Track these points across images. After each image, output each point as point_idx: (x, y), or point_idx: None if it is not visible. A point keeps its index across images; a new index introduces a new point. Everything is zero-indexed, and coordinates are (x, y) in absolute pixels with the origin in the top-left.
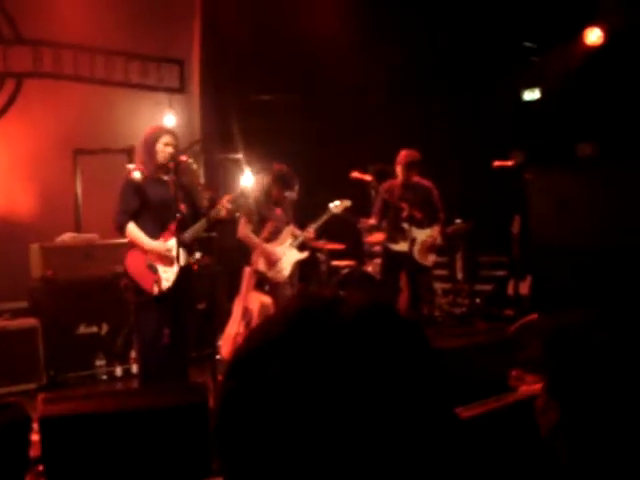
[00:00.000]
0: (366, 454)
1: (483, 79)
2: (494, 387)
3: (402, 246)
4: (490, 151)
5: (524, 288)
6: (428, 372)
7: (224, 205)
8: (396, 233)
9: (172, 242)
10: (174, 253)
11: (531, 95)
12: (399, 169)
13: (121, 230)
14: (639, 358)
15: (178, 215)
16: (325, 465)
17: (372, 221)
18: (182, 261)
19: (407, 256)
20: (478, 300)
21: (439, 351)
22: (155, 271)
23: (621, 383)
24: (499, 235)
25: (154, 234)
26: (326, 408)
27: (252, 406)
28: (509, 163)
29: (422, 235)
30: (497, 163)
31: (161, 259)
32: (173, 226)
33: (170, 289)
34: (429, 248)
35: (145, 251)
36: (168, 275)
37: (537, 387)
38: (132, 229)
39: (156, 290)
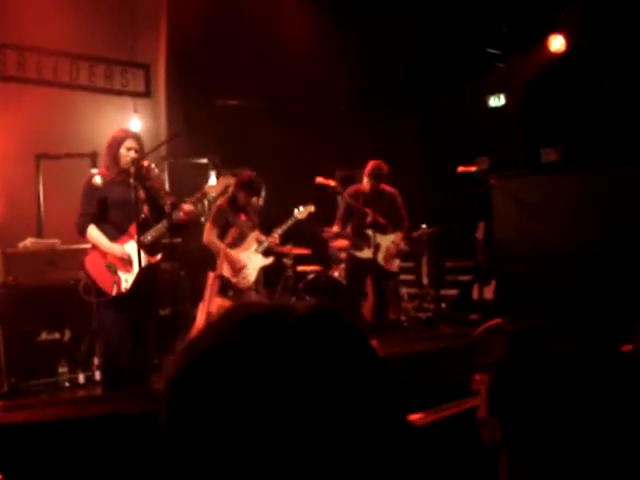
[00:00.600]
0: (313, 460)
1: (448, 85)
2: (458, 391)
3: (366, 253)
4: (455, 157)
5: (489, 293)
6: (371, 377)
7: (183, 208)
8: (360, 240)
9: (131, 244)
10: (134, 256)
11: (496, 101)
12: (365, 180)
13: (82, 233)
14: (592, 378)
15: (142, 215)
16: (273, 472)
17: (335, 228)
18: (142, 262)
19: (372, 262)
20: (444, 305)
21: (381, 357)
22: (114, 272)
23: (566, 403)
24: (464, 240)
25: (115, 237)
26: (275, 414)
27: (201, 414)
28: (473, 169)
29: (386, 241)
30: (461, 169)
31: (120, 262)
32: (133, 228)
33: (129, 291)
34: (393, 254)
35: (104, 252)
36: (127, 277)
37: None
38: (92, 232)
39: (115, 291)
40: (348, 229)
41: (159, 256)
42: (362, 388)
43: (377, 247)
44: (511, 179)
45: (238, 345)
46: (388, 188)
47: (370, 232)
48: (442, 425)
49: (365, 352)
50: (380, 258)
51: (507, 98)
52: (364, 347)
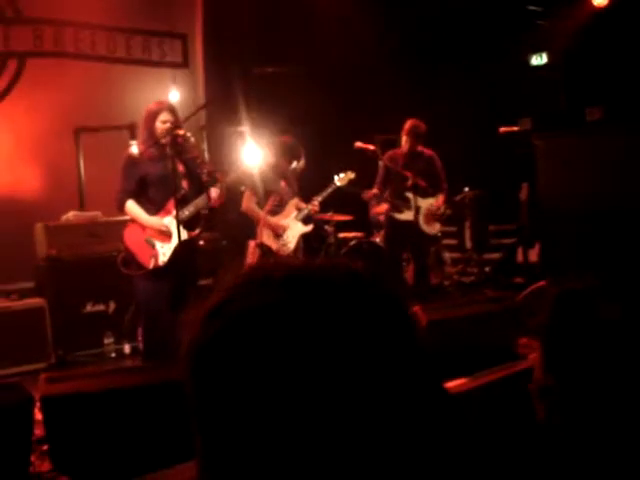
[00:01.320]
0: (351, 429)
1: (489, 45)
2: (503, 355)
3: (406, 215)
4: (497, 117)
5: (533, 255)
6: (405, 343)
7: (210, 196)
8: (400, 202)
9: (170, 218)
10: (172, 229)
11: (538, 60)
12: (404, 139)
13: (120, 209)
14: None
15: (182, 191)
16: (310, 445)
17: (374, 190)
18: (181, 236)
19: (412, 225)
20: (487, 268)
21: (416, 324)
22: (152, 246)
23: (620, 364)
24: (507, 203)
25: (154, 210)
26: (322, 378)
27: (245, 379)
28: (515, 129)
29: (426, 204)
30: (503, 129)
31: (159, 235)
32: (171, 204)
33: (167, 264)
34: (434, 217)
35: (144, 226)
36: (165, 250)
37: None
38: (130, 206)
39: (152, 264)
40: (387, 193)
41: (197, 230)
42: (397, 354)
43: (417, 210)
44: (555, 138)
45: (283, 304)
46: (426, 150)
47: (410, 195)
48: (487, 389)
49: (400, 318)
50: (420, 221)
51: (549, 56)
52: (399, 311)
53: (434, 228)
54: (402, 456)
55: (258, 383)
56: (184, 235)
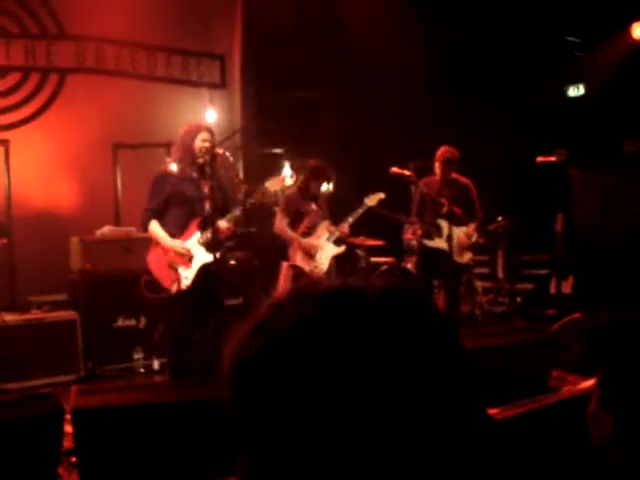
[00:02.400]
0: (392, 447)
1: (527, 75)
2: (535, 387)
3: (438, 242)
4: (533, 147)
5: (567, 287)
6: (456, 367)
7: (220, 228)
8: (432, 229)
9: (193, 240)
10: (194, 252)
11: (575, 91)
12: (437, 166)
13: (144, 228)
14: None
15: (205, 213)
16: (354, 458)
17: (413, 218)
18: (204, 259)
19: (443, 253)
20: (519, 299)
21: (467, 350)
22: (175, 270)
23: None
24: (541, 233)
25: (177, 231)
26: (362, 394)
27: (288, 397)
28: (553, 159)
29: (459, 232)
30: (540, 159)
31: (180, 258)
32: (194, 225)
33: (190, 288)
34: (465, 245)
35: (166, 249)
36: (187, 274)
37: (580, 388)
38: (154, 227)
39: (175, 289)
40: (418, 219)
41: (217, 255)
42: (445, 374)
43: (449, 238)
44: (592, 170)
45: (321, 318)
46: (462, 178)
47: (442, 222)
48: (517, 422)
49: (453, 338)
50: (452, 249)
51: (587, 88)
52: (452, 334)
53: (465, 257)
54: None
55: (300, 400)
56: (207, 258)
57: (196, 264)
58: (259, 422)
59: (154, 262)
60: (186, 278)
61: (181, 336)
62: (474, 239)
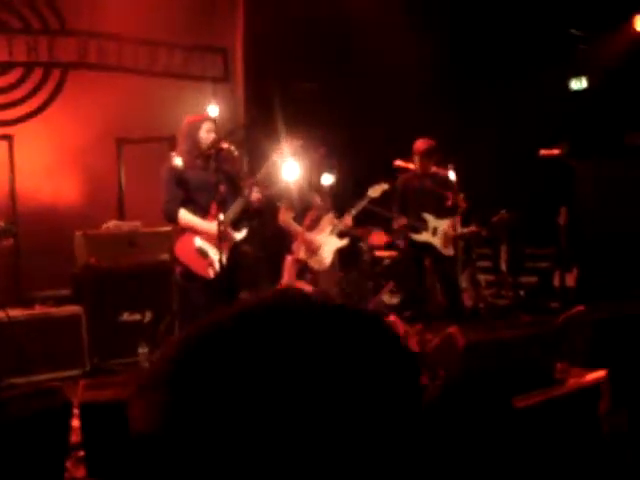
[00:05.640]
0: (317, 456)
1: (529, 68)
2: (540, 380)
3: (424, 236)
4: (536, 140)
5: (570, 280)
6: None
7: (253, 196)
8: (418, 223)
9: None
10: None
11: (578, 84)
12: (416, 159)
13: (172, 218)
14: None
15: (217, 197)
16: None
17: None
18: (230, 239)
19: (431, 247)
20: (522, 292)
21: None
22: (206, 255)
23: None
24: (545, 226)
25: (200, 216)
26: (277, 405)
27: (202, 408)
28: (556, 152)
29: (443, 225)
30: (543, 152)
31: (212, 240)
32: (214, 208)
33: (224, 269)
34: (451, 238)
35: (192, 237)
36: (219, 256)
37: (585, 380)
38: (183, 215)
39: (212, 273)
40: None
41: (242, 233)
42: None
43: (434, 231)
44: (594, 162)
45: (233, 330)
46: (441, 171)
47: (428, 216)
48: (525, 414)
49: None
50: (437, 242)
51: (589, 81)
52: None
53: (451, 249)
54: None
55: (217, 409)
56: (232, 238)
57: (232, 242)
58: (175, 435)
59: (183, 251)
60: (219, 261)
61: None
62: (458, 231)
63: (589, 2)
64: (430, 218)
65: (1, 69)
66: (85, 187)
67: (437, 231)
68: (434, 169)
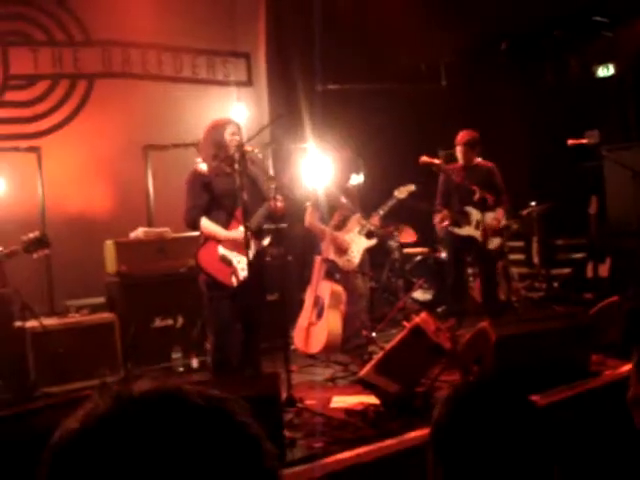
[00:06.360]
0: None
1: (554, 56)
2: (575, 372)
3: (467, 230)
4: (564, 130)
5: (604, 270)
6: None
7: (277, 204)
8: (460, 217)
9: (240, 230)
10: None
11: (604, 71)
12: (459, 150)
13: (194, 226)
14: None
15: (241, 204)
16: None
17: (439, 211)
18: (253, 248)
19: (474, 240)
20: (556, 284)
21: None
22: (229, 263)
23: None
24: (576, 217)
25: (222, 225)
26: None
27: None
28: (584, 141)
29: (487, 218)
30: (571, 142)
31: (237, 247)
32: (239, 214)
33: (247, 277)
34: (494, 231)
35: (216, 245)
36: (242, 264)
37: (620, 372)
38: (206, 223)
39: (235, 281)
40: (445, 208)
41: (267, 240)
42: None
43: (477, 225)
44: (624, 150)
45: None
46: (485, 163)
47: (471, 209)
48: (561, 406)
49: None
50: (480, 236)
51: (616, 68)
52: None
53: (495, 242)
54: None
55: None
56: (255, 246)
57: (252, 251)
58: None
59: (206, 260)
60: (242, 269)
61: (226, 333)
62: (503, 223)
63: None
64: (473, 211)
65: (27, 82)
66: (113, 195)
67: (480, 225)
68: (477, 161)
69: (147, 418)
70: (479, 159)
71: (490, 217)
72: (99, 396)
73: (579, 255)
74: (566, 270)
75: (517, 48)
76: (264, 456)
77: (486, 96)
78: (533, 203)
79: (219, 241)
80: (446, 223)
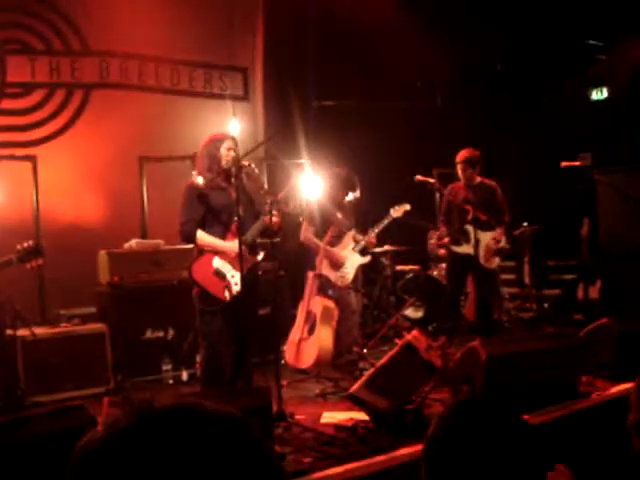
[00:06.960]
0: None
1: (549, 79)
2: (564, 393)
3: (465, 248)
4: (557, 152)
5: (594, 292)
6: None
7: (273, 218)
8: (459, 235)
9: (235, 244)
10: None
11: (598, 94)
12: (459, 168)
13: (189, 239)
14: None
15: (236, 218)
16: None
17: (441, 228)
18: (247, 262)
19: (471, 259)
20: (546, 305)
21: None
22: (223, 277)
23: None
24: (567, 238)
25: (219, 237)
26: None
27: None
28: (577, 164)
29: (486, 237)
30: (565, 164)
31: (232, 262)
32: (235, 227)
33: (240, 292)
34: (493, 251)
35: (210, 259)
36: (236, 279)
37: (610, 394)
38: (202, 236)
39: (228, 296)
40: (444, 226)
41: (260, 255)
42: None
43: (476, 243)
44: (617, 173)
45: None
46: (487, 181)
47: (470, 228)
48: (551, 427)
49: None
50: (480, 255)
51: (610, 91)
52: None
53: (493, 263)
54: None
55: None
56: (255, 258)
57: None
58: None
59: (200, 273)
60: (236, 284)
61: (218, 346)
62: (502, 244)
63: (606, 13)
64: (472, 230)
65: (24, 90)
66: (108, 206)
67: (479, 244)
68: (479, 179)
69: (168, 432)
70: (480, 178)
71: (489, 236)
72: (121, 409)
73: (570, 276)
74: (557, 291)
75: (513, 70)
76: (277, 471)
77: (480, 116)
78: (525, 223)
79: (215, 253)
80: (446, 240)
